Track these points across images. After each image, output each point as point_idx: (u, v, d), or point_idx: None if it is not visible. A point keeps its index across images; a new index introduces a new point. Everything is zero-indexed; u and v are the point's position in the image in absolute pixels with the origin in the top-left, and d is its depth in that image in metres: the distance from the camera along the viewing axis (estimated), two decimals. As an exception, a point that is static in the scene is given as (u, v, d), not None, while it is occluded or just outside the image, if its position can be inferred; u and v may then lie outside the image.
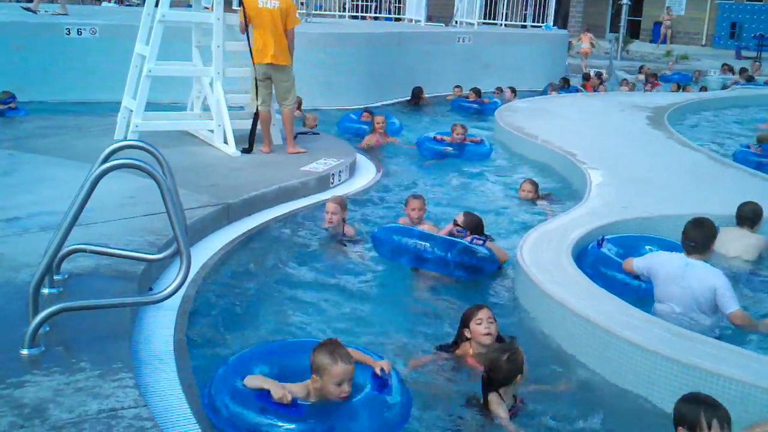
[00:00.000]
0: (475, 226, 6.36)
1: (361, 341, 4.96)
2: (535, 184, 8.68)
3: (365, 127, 11.89)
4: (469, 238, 6.10)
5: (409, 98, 15.87)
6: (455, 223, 6.42)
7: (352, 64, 15.28)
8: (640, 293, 5.48)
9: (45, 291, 4.48)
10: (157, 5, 8.92)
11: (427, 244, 6.00)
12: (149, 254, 5.03)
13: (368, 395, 3.78)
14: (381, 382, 3.88)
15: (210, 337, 4.89)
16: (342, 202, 6.85)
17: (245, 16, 8.88)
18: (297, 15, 9.11)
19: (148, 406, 3.53)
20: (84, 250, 4.85)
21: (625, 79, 20.70)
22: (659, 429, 4.05)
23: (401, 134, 12.38)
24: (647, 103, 15.31)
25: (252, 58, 9.00)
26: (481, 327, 4.64)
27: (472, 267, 5.98)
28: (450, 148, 10.45)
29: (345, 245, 6.78)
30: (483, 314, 4.69)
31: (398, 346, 5.03)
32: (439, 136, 10.62)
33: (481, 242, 6.07)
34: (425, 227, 6.59)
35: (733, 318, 5.08)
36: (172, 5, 9.08)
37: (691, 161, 10.00)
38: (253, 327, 5.12)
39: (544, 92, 17.85)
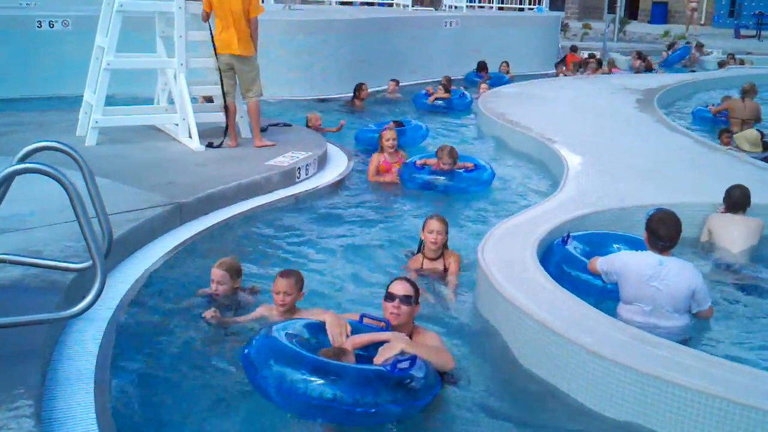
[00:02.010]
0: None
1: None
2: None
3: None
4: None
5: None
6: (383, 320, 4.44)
7: (334, 51, 14.91)
8: (606, 294, 5.12)
9: (-42, 305, 4.17)
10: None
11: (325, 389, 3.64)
12: (75, 263, 4.67)
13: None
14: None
15: (141, 352, 4.54)
16: (232, 268, 5.13)
17: (205, 5, 8.51)
18: (261, 3, 8.71)
19: (43, 438, 3.20)
20: (3, 261, 4.50)
21: (612, 59, 20.27)
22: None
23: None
24: (638, 85, 14.94)
25: (214, 48, 8.64)
26: (431, 236, 5.77)
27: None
28: (441, 178, 8.19)
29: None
30: (434, 225, 5.78)
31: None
32: (420, 161, 8.42)
33: (406, 364, 3.78)
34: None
35: (705, 314, 4.93)
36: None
37: (677, 146, 9.64)
38: (190, 338, 4.74)
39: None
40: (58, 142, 4.30)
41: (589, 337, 4.15)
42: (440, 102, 13.72)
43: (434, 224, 5.78)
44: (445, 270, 5.81)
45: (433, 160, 8.32)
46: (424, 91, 14.14)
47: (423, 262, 5.86)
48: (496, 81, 16.25)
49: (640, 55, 20.69)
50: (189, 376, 4.26)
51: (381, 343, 4.11)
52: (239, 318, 4.90)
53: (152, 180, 7.22)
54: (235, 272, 5.14)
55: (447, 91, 14.23)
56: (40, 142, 4.30)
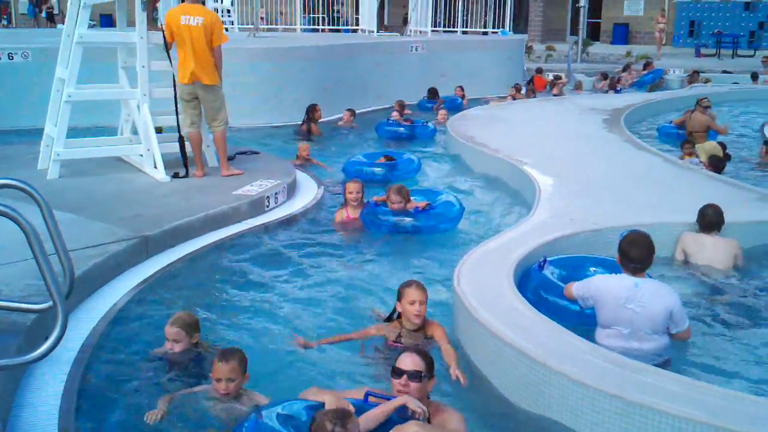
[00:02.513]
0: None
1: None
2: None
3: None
4: None
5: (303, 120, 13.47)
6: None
7: (301, 77, 14.82)
8: (584, 319, 5.02)
9: None
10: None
11: None
12: (35, 304, 4.47)
13: None
14: None
15: (107, 394, 4.35)
16: (186, 324, 4.67)
17: (167, 35, 8.37)
18: (223, 31, 8.58)
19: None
20: (-43, 303, 4.31)
21: (579, 81, 20.45)
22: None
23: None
24: (604, 105, 15.04)
25: (175, 78, 8.49)
26: (413, 308, 4.87)
27: None
28: (408, 219, 7.43)
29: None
30: (415, 295, 4.88)
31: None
32: (378, 198, 7.79)
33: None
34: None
35: (683, 334, 4.87)
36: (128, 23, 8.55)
37: (645, 165, 9.65)
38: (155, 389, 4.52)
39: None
40: (14, 179, 4.13)
41: (571, 364, 4.05)
42: (402, 129, 13.23)
43: (415, 294, 4.87)
44: (426, 338, 4.98)
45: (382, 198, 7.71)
46: (386, 119, 13.81)
47: (402, 333, 4.98)
48: (450, 105, 16.10)
49: (605, 76, 20.87)
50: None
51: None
52: (190, 390, 4.31)
53: (117, 213, 7.04)
54: (191, 328, 4.65)
55: (401, 112, 14.29)
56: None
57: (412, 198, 7.59)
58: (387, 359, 4.68)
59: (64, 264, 4.34)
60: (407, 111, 15.28)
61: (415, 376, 3.80)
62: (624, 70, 23.36)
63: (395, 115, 14.12)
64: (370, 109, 16.18)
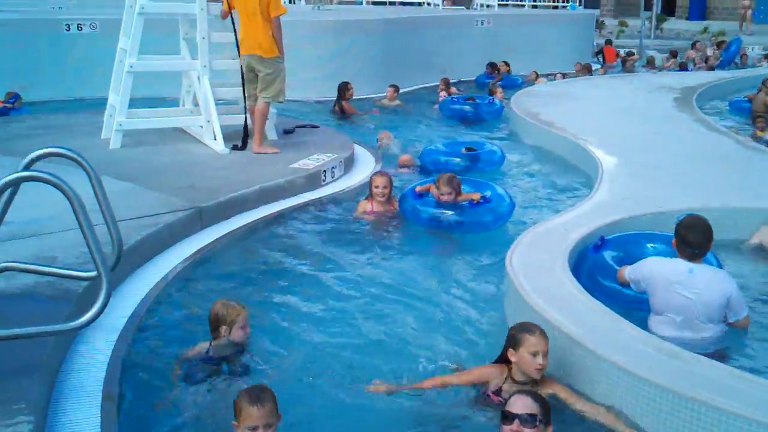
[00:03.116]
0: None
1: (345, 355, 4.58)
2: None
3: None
4: None
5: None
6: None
7: (363, 51, 14.71)
8: (641, 304, 4.83)
9: (-33, 315, 4.04)
10: (138, -4, 8.45)
11: None
12: (87, 272, 4.50)
13: None
14: None
15: (153, 363, 4.38)
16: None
17: (225, 5, 8.38)
18: (281, 3, 8.48)
19: (39, 458, 3.04)
20: (12, 269, 4.36)
21: (651, 57, 19.81)
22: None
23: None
24: (676, 83, 14.53)
25: (237, 50, 8.49)
26: (536, 360, 3.91)
27: None
28: (449, 212, 6.72)
29: None
30: (541, 345, 3.92)
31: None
32: (420, 188, 7.03)
33: None
34: None
35: (742, 323, 4.64)
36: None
37: (716, 146, 9.28)
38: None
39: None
40: (63, 148, 4.13)
41: (620, 352, 3.89)
42: (467, 108, 12.56)
43: (539, 343, 3.93)
44: None
45: (430, 187, 6.96)
46: (451, 97, 13.31)
47: (503, 387, 4.07)
48: (508, 82, 15.67)
49: (674, 54, 20.18)
50: (200, 397, 4.05)
51: None
52: None
53: (174, 183, 7.09)
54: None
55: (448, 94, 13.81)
56: (47, 148, 4.14)
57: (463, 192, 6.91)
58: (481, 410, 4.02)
59: (113, 234, 4.35)
60: (453, 89, 14.83)
61: (528, 421, 3.36)
62: (692, 47, 22.56)
63: (443, 94, 13.71)
64: (432, 84, 15.95)
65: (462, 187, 6.87)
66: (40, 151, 4.12)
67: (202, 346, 4.37)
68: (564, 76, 16.70)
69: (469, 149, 9.29)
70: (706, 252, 4.76)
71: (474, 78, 16.63)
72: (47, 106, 12.22)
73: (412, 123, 12.50)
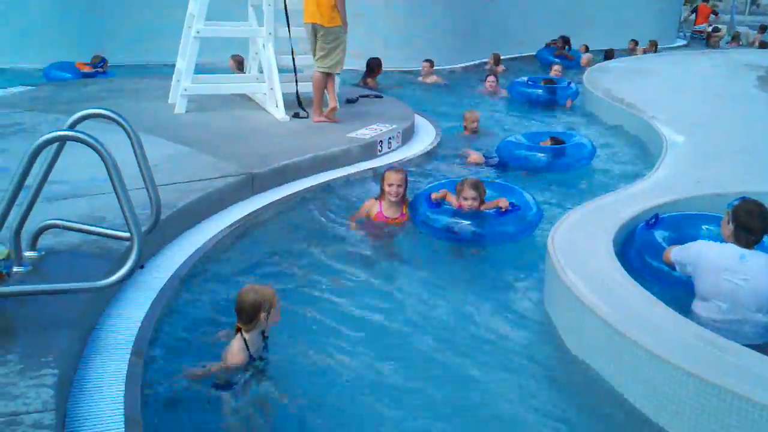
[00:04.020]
0: None
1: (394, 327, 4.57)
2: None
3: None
4: None
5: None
6: None
7: (434, 20, 14.52)
8: (690, 287, 4.65)
9: (14, 269, 4.20)
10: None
11: None
12: (123, 232, 4.61)
13: None
14: None
15: (185, 327, 4.45)
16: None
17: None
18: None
19: (58, 410, 3.14)
20: (57, 226, 4.52)
21: (737, 32, 18.94)
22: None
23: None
24: (761, 61, 13.87)
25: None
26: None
27: None
28: (465, 222, 5.76)
29: None
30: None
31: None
32: (435, 195, 6.02)
33: None
34: None
35: None
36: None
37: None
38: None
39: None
40: (106, 109, 4.22)
41: (650, 334, 3.76)
42: (540, 91, 11.70)
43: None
44: None
45: (452, 196, 6.03)
46: (524, 78, 12.29)
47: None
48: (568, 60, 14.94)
49: (763, 28, 19.22)
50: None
51: None
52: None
53: (230, 149, 7.19)
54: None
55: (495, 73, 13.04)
56: (91, 109, 4.24)
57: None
58: None
59: (152, 197, 4.44)
60: (501, 67, 14.36)
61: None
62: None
63: (492, 79, 12.51)
64: (510, 56, 15.60)
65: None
66: (83, 113, 4.23)
67: (236, 354, 3.89)
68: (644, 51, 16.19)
69: (554, 140, 8.25)
70: (761, 239, 4.56)
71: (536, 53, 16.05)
72: (121, 70, 12.55)
73: (429, 103, 11.41)
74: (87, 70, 12.14)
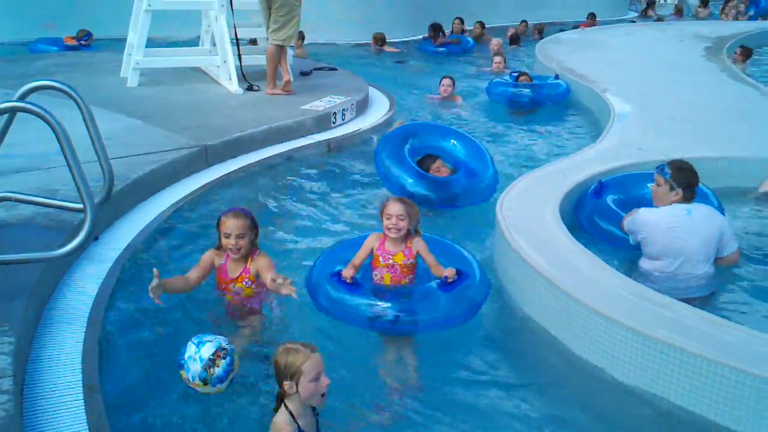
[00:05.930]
0: None
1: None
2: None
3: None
4: None
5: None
6: None
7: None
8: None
9: (-36, 243, 4.21)
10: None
11: None
12: (76, 203, 4.63)
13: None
14: None
15: (140, 296, 4.48)
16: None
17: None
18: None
19: (16, 376, 3.19)
20: (10, 199, 4.53)
21: (678, 6, 19.27)
22: (616, 407, 3.64)
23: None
24: (710, 32, 14.17)
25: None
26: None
27: None
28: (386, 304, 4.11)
29: None
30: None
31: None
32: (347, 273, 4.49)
33: None
34: None
35: (732, 257, 4.77)
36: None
37: (738, 97, 9.10)
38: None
39: None
40: (57, 81, 4.24)
41: (596, 295, 3.93)
42: (526, 91, 9.62)
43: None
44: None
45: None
46: (504, 77, 10.51)
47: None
48: (457, 47, 14.12)
49: (705, 3, 19.59)
50: (182, 324, 4.19)
51: None
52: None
53: (183, 122, 7.20)
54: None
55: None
56: (40, 81, 4.25)
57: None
58: None
59: (104, 168, 4.48)
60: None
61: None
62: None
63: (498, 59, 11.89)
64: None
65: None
66: (33, 84, 4.25)
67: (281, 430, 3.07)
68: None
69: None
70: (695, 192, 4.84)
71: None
72: (112, 44, 12.34)
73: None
74: (71, 43, 12.07)
